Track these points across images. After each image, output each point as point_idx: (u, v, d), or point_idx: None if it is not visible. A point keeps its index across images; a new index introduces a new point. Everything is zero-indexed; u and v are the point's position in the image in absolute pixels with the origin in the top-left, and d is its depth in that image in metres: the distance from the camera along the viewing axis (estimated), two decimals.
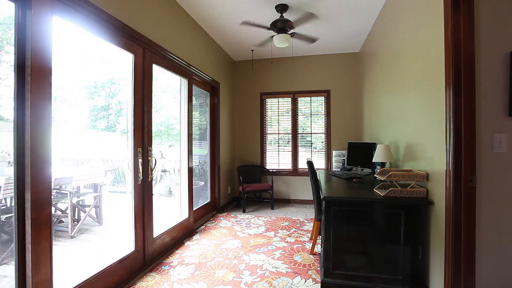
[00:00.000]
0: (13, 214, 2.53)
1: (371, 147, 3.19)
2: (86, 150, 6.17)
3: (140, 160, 2.43)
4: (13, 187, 1.49)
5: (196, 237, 3.29)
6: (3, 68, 3.20)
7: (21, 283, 1.48)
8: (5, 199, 2.92)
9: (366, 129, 4.25)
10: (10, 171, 3.10)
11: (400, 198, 1.94)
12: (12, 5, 1.48)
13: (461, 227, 1.57)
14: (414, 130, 2.22)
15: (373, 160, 2.72)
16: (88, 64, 5.65)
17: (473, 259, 1.56)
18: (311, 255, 2.73)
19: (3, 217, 2.72)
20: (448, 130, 1.63)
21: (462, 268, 1.57)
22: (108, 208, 4.48)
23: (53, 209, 3.37)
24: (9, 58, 3.44)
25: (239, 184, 4.85)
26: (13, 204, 2.72)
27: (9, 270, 2.48)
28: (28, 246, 1.48)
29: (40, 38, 1.54)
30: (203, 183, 4.51)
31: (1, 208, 2.71)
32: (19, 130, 1.48)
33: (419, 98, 2.13)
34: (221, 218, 4.09)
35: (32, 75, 1.49)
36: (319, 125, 4.92)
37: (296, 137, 4.98)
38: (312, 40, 3.59)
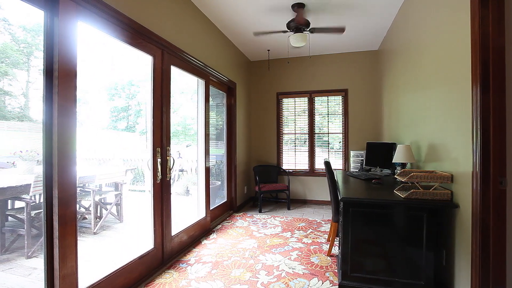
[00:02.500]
0: (41, 210, 2.67)
1: (391, 147, 3.09)
2: (107, 149, 6.40)
3: (159, 160, 2.49)
4: (42, 184, 1.57)
5: (213, 236, 3.33)
6: (32, 72, 3.39)
7: (50, 275, 1.56)
8: (34, 195, 3.08)
9: (385, 128, 4.13)
10: (39, 170, 3.27)
11: (423, 200, 1.87)
12: (41, 12, 1.56)
13: (489, 233, 1.48)
14: (437, 129, 2.13)
15: (393, 161, 2.63)
16: (109, 67, 5.86)
17: (504, 266, 1.47)
18: (328, 257, 2.69)
19: (33, 212, 2.88)
20: (474, 130, 1.55)
21: (491, 275, 1.49)
22: (128, 206, 4.63)
23: (77, 206, 3.53)
24: (37, 62, 3.63)
25: (255, 184, 4.86)
26: (41, 200, 2.88)
27: (39, 262, 2.62)
28: (56, 241, 1.56)
29: (67, 43, 1.62)
30: (219, 182, 4.55)
31: (31, 204, 2.87)
32: (47, 131, 1.56)
33: (442, 96, 2.04)
34: (238, 217, 4.11)
35: (59, 78, 1.57)
36: (336, 125, 4.83)
37: (313, 137, 4.92)
38: (339, 30, 3.38)
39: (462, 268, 1.75)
